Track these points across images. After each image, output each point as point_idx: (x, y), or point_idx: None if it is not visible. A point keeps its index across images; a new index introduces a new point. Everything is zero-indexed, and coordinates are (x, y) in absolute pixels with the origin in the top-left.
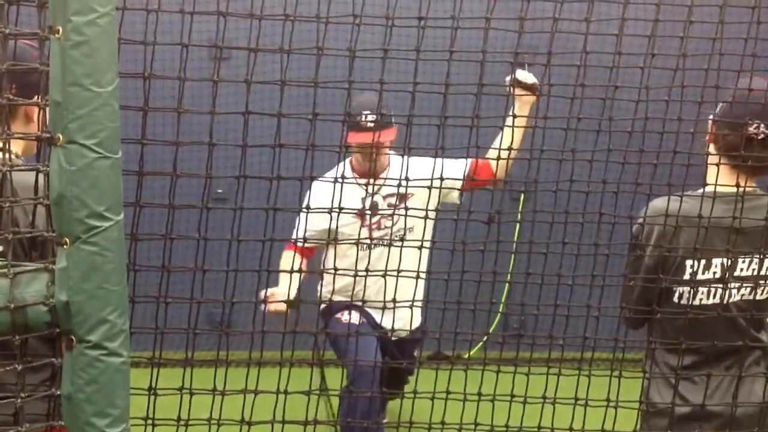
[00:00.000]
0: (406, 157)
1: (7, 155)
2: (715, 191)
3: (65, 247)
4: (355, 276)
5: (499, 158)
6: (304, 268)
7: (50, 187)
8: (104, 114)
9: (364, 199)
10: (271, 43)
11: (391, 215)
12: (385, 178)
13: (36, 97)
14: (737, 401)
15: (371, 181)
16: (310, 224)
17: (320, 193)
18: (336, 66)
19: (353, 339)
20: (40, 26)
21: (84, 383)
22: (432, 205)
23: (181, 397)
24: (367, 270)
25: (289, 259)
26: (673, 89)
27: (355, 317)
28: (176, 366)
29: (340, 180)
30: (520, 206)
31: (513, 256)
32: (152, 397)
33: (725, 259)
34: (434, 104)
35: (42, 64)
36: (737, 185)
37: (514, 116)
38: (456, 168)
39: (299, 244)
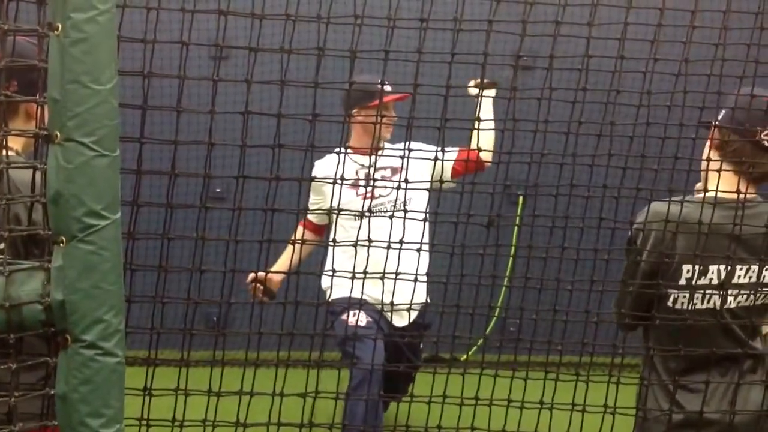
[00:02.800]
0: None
1: (5, 152)
2: (716, 197)
3: (61, 245)
4: (356, 244)
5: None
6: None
7: (47, 184)
8: (103, 112)
9: (358, 171)
10: (271, 42)
11: (386, 186)
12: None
13: (37, 96)
14: (733, 408)
15: (369, 156)
16: (311, 202)
17: (318, 170)
18: (336, 67)
19: (359, 342)
20: (39, 23)
21: (78, 383)
22: (426, 177)
23: (176, 398)
24: (369, 240)
25: (298, 235)
26: (674, 94)
27: (362, 318)
28: (172, 366)
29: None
30: (519, 210)
31: (511, 259)
32: (147, 398)
33: (722, 266)
34: (435, 106)
35: (41, 61)
36: (737, 192)
37: (479, 119)
38: (448, 155)
39: (311, 219)
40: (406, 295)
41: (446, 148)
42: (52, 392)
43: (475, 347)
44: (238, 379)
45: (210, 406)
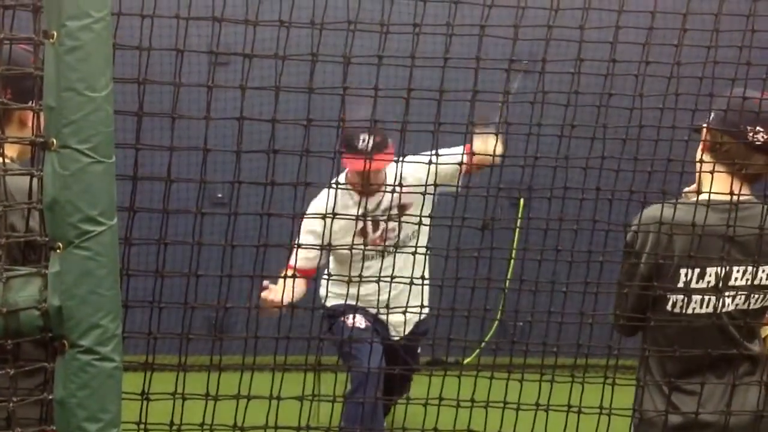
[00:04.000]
0: (400, 165)
1: (1, 159)
2: (709, 199)
3: (58, 251)
4: (355, 281)
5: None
6: (304, 286)
7: (44, 191)
8: (98, 119)
9: (363, 215)
10: (267, 48)
11: (394, 228)
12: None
13: (31, 103)
14: (730, 410)
15: (366, 198)
16: (307, 251)
17: (317, 209)
18: (331, 72)
19: (358, 344)
20: (34, 31)
21: (76, 388)
22: (429, 208)
23: (174, 402)
24: (360, 276)
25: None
26: (667, 97)
27: (360, 321)
28: (169, 370)
29: (333, 211)
30: (519, 212)
31: (510, 262)
32: (145, 402)
33: (719, 268)
34: (428, 110)
35: (36, 68)
36: (731, 193)
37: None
38: (451, 156)
39: (303, 265)
40: (411, 320)
41: (448, 150)
42: (50, 397)
43: (478, 350)
44: (235, 383)
45: (208, 410)
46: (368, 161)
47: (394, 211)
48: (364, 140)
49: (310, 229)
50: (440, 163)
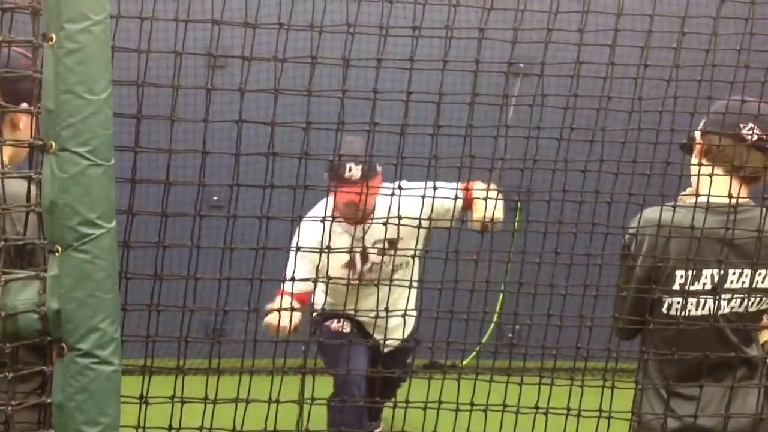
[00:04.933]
0: (391, 199)
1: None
2: (708, 202)
3: (57, 254)
4: (345, 302)
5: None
6: (298, 314)
7: (42, 194)
8: (97, 122)
9: (351, 246)
10: (266, 51)
11: (382, 259)
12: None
13: (26, 106)
14: (728, 414)
15: (355, 228)
16: (299, 275)
17: (307, 237)
18: (330, 75)
19: (341, 349)
20: (33, 33)
21: (75, 391)
22: (421, 241)
23: (173, 406)
24: (356, 303)
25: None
26: (666, 100)
27: (346, 326)
28: (167, 374)
29: (327, 240)
30: (517, 216)
31: (507, 265)
32: (143, 406)
33: (715, 271)
34: (426, 113)
35: (35, 71)
36: (729, 196)
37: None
38: (446, 203)
39: (295, 290)
40: (395, 335)
41: (442, 185)
42: (49, 401)
43: (473, 353)
44: (233, 386)
45: (206, 413)
46: (361, 189)
47: (383, 245)
48: (350, 169)
49: (301, 254)
50: (435, 209)
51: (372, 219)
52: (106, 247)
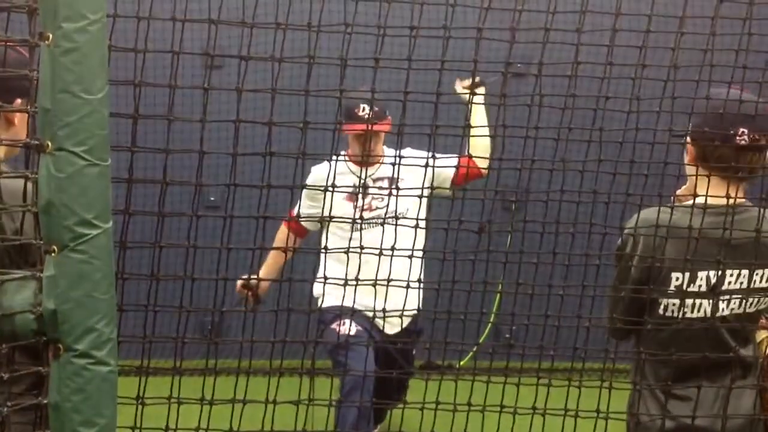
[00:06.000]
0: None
1: None
2: (705, 203)
3: (53, 254)
4: (347, 252)
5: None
6: (295, 245)
7: (38, 194)
8: (94, 121)
9: (355, 183)
10: (263, 51)
11: (382, 197)
12: (381, 158)
13: (20, 102)
14: (723, 414)
15: (364, 168)
16: (304, 206)
17: (315, 175)
18: (328, 74)
19: (350, 350)
20: (30, 32)
21: (71, 392)
22: (424, 190)
23: (169, 407)
24: (361, 248)
25: (281, 236)
26: (664, 100)
27: (351, 328)
28: (164, 375)
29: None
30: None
31: (504, 265)
32: (140, 406)
33: (712, 273)
34: (424, 113)
35: (31, 70)
36: (727, 197)
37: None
38: (447, 160)
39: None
40: (398, 302)
41: (445, 156)
42: (45, 402)
43: (471, 353)
44: (231, 387)
45: (203, 414)
46: (369, 127)
47: (385, 183)
48: (363, 109)
49: (307, 194)
50: (439, 167)
51: (380, 164)
52: (102, 247)
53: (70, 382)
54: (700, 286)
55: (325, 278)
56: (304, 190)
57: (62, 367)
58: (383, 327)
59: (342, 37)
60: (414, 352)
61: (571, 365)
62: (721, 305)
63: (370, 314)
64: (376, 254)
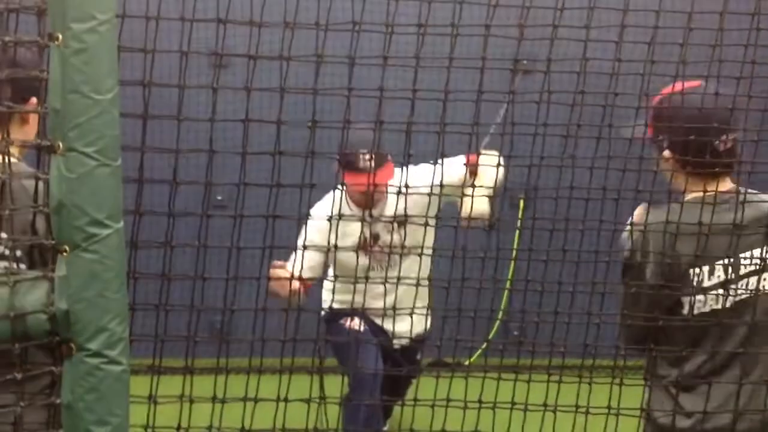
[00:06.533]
0: (401, 173)
1: (7, 161)
2: (705, 197)
3: (65, 254)
4: (354, 282)
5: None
6: (302, 296)
7: (50, 194)
8: (104, 122)
9: (363, 230)
10: (268, 50)
11: (391, 236)
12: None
13: (34, 101)
14: (743, 410)
15: (366, 211)
16: (308, 259)
17: (319, 224)
18: (335, 73)
19: (355, 346)
20: (39, 33)
21: (84, 391)
22: (432, 214)
23: (181, 405)
24: (366, 278)
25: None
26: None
27: (357, 324)
28: (176, 374)
29: (337, 216)
30: (520, 213)
31: (512, 263)
32: (152, 405)
33: (726, 261)
34: (433, 111)
35: (41, 71)
36: (736, 192)
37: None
38: (453, 172)
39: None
40: (406, 326)
41: (451, 161)
42: (58, 401)
43: (479, 351)
44: (242, 385)
45: (215, 412)
46: (371, 178)
47: (395, 224)
48: (365, 159)
49: (310, 240)
50: (443, 182)
51: (385, 201)
52: (113, 247)
53: (83, 382)
54: (719, 276)
55: (335, 280)
56: (306, 238)
57: (75, 366)
58: (392, 340)
59: (350, 35)
60: (419, 355)
61: (582, 362)
62: (740, 291)
63: (378, 320)
64: (382, 283)
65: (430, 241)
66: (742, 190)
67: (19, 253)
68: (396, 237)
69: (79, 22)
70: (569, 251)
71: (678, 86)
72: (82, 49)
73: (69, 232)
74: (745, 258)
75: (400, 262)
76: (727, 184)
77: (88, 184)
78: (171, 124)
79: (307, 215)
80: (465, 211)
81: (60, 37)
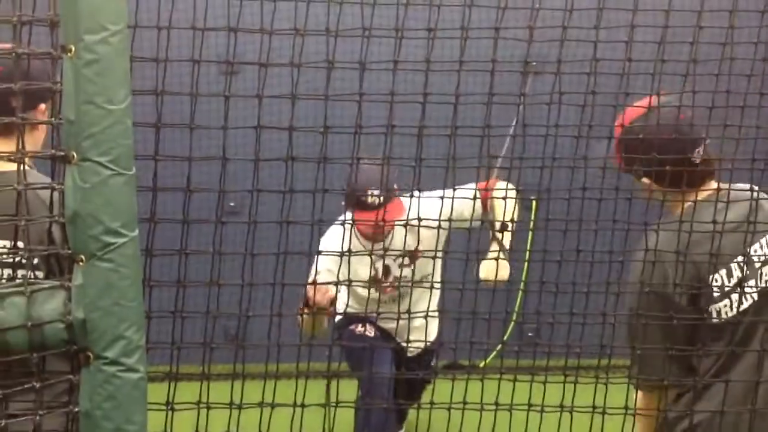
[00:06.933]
0: (410, 204)
1: (23, 172)
2: (730, 201)
3: (81, 264)
4: (365, 312)
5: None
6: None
7: (65, 204)
8: (117, 131)
9: (373, 263)
10: (278, 57)
11: (401, 269)
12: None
13: (43, 107)
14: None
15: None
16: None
17: (328, 266)
18: (345, 78)
19: (367, 351)
20: (52, 45)
21: (102, 399)
22: (441, 245)
23: (199, 411)
24: (377, 312)
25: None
26: (683, 95)
27: (369, 329)
28: (192, 380)
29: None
30: (533, 214)
31: (526, 264)
32: (170, 412)
33: (740, 258)
34: (444, 114)
35: (54, 82)
36: (752, 189)
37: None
38: (463, 204)
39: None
40: (420, 337)
41: (462, 192)
42: (76, 410)
43: (494, 353)
44: (258, 391)
45: (232, 418)
46: (380, 214)
47: (405, 259)
48: (372, 195)
49: (325, 267)
50: (454, 216)
51: (393, 232)
52: (129, 256)
53: (100, 390)
54: (738, 276)
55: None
56: (318, 263)
57: (93, 375)
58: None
59: (360, 41)
60: (433, 362)
61: (598, 362)
62: (760, 283)
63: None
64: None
65: (438, 274)
66: (725, 186)
67: (36, 260)
68: (407, 271)
69: (92, 33)
70: (583, 251)
71: (630, 113)
72: (94, 60)
73: (84, 242)
74: (756, 251)
75: (411, 294)
76: (713, 185)
77: (102, 194)
78: (183, 132)
79: (318, 252)
80: (485, 273)
81: (73, 48)
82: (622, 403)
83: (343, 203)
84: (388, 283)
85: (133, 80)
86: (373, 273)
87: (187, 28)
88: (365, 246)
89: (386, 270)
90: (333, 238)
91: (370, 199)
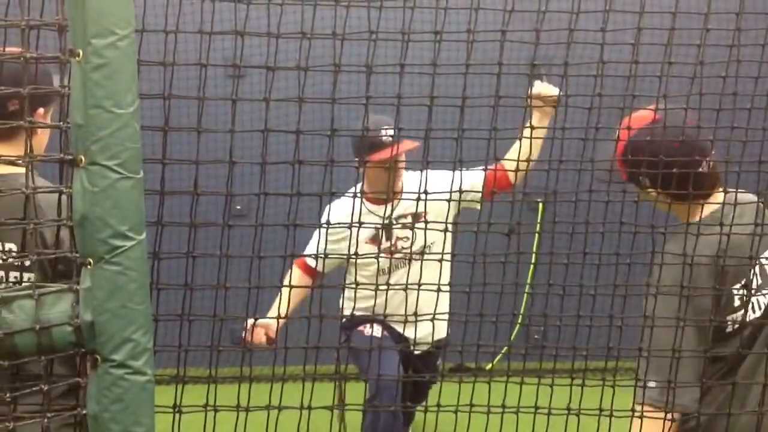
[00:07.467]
0: (419, 173)
1: (31, 175)
2: (741, 208)
3: (89, 267)
4: (375, 290)
5: (517, 169)
6: (303, 294)
7: (73, 208)
8: (126, 135)
9: (377, 225)
10: (283, 60)
11: (407, 236)
12: (401, 194)
13: (42, 111)
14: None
15: (385, 205)
16: (323, 247)
17: (333, 217)
18: (351, 81)
19: (375, 353)
20: (60, 49)
21: (109, 402)
22: (450, 218)
23: (206, 414)
24: (387, 284)
25: (295, 278)
26: (690, 97)
27: (377, 330)
28: (200, 383)
29: (354, 222)
30: (539, 217)
31: (532, 266)
32: (177, 415)
33: (755, 262)
34: (451, 117)
35: (62, 86)
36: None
37: (532, 128)
38: (474, 177)
39: (309, 262)
40: (427, 330)
41: (471, 171)
42: (84, 413)
43: (500, 355)
44: (265, 393)
45: (239, 421)
46: (395, 149)
47: (408, 219)
48: (386, 134)
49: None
50: (464, 190)
51: (400, 196)
52: (137, 259)
53: (108, 393)
54: (759, 282)
55: (356, 291)
56: (321, 231)
57: (100, 377)
58: (412, 349)
59: (367, 44)
60: (439, 362)
61: (605, 365)
62: None
63: (398, 327)
64: (402, 289)
65: (449, 245)
66: (731, 190)
67: (28, 262)
68: (410, 233)
69: (99, 37)
70: (589, 254)
71: (635, 123)
72: (102, 64)
73: (92, 245)
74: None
75: (421, 263)
76: (719, 195)
77: (110, 197)
78: (190, 135)
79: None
80: (537, 89)
81: (81, 52)
82: (629, 405)
83: (354, 156)
84: (393, 239)
85: (140, 84)
86: (372, 234)
87: (194, 32)
88: (372, 211)
89: (388, 233)
90: (340, 205)
91: (384, 137)
